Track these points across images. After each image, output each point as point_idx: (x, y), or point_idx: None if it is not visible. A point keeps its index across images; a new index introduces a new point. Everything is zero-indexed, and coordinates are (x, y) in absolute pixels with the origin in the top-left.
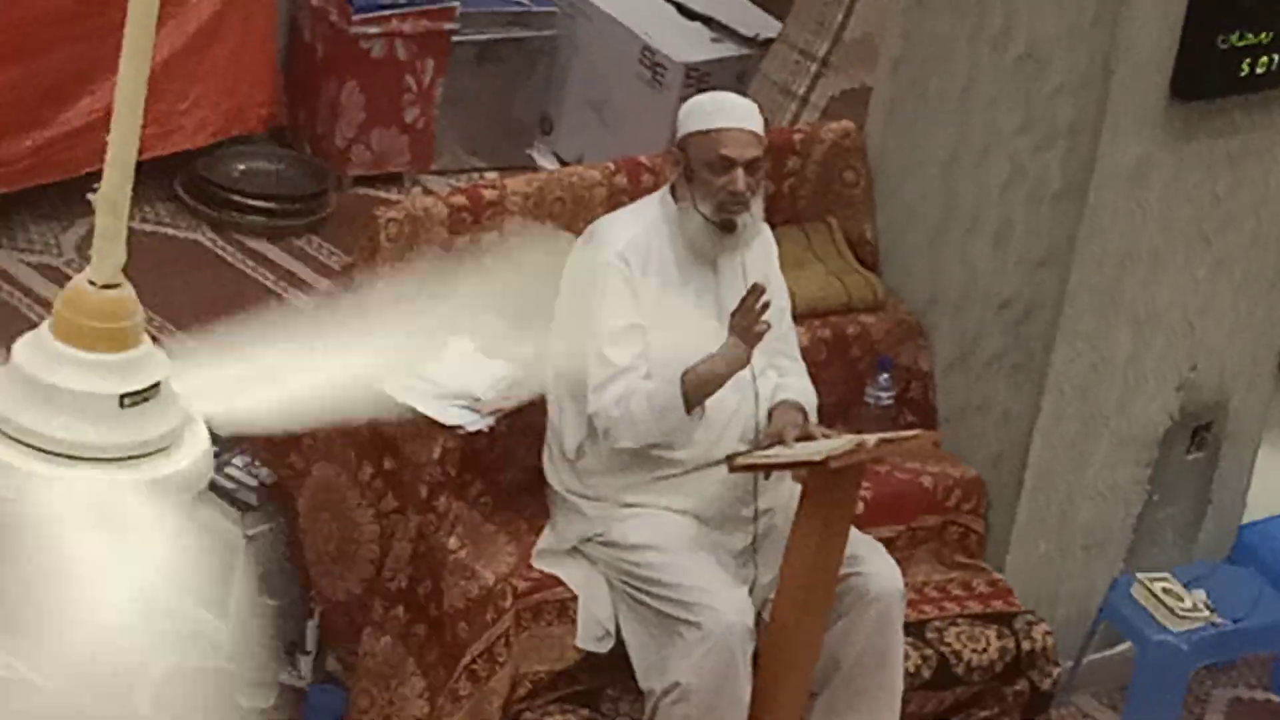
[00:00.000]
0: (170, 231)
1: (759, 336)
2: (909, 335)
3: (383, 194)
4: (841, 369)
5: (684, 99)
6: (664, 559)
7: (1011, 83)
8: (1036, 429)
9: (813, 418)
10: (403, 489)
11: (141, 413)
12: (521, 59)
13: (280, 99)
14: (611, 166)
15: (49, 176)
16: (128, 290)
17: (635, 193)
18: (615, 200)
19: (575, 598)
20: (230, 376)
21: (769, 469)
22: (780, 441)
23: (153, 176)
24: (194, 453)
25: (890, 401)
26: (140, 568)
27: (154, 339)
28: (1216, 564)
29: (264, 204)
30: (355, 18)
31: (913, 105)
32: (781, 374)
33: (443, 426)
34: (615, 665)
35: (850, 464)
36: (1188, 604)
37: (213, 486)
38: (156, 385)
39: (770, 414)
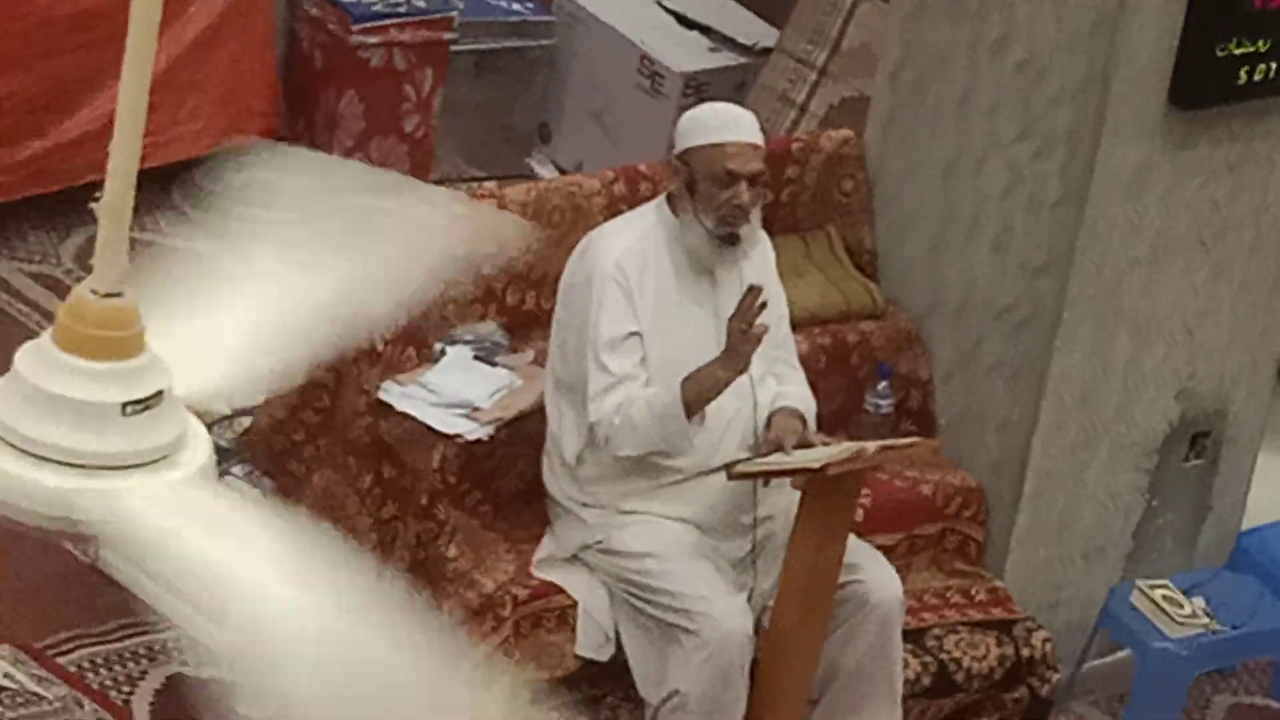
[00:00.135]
0: (169, 241)
1: (757, 339)
2: (908, 343)
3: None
4: (841, 377)
5: (683, 108)
6: (663, 566)
7: (1010, 90)
8: (1036, 436)
9: (812, 425)
10: (402, 497)
11: (144, 421)
12: (520, 68)
13: (279, 108)
14: (610, 175)
15: (48, 186)
16: (130, 299)
17: (634, 201)
18: (614, 209)
19: (575, 605)
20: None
21: (768, 476)
22: (779, 449)
23: (151, 186)
24: (196, 460)
25: (890, 409)
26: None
27: None
28: (1216, 570)
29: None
30: (354, 27)
31: (911, 113)
32: (780, 381)
33: (442, 435)
34: (615, 673)
35: (849, 471)
36: (1187, 611)
37: None
38: (159, 393)
39: (769, 421)
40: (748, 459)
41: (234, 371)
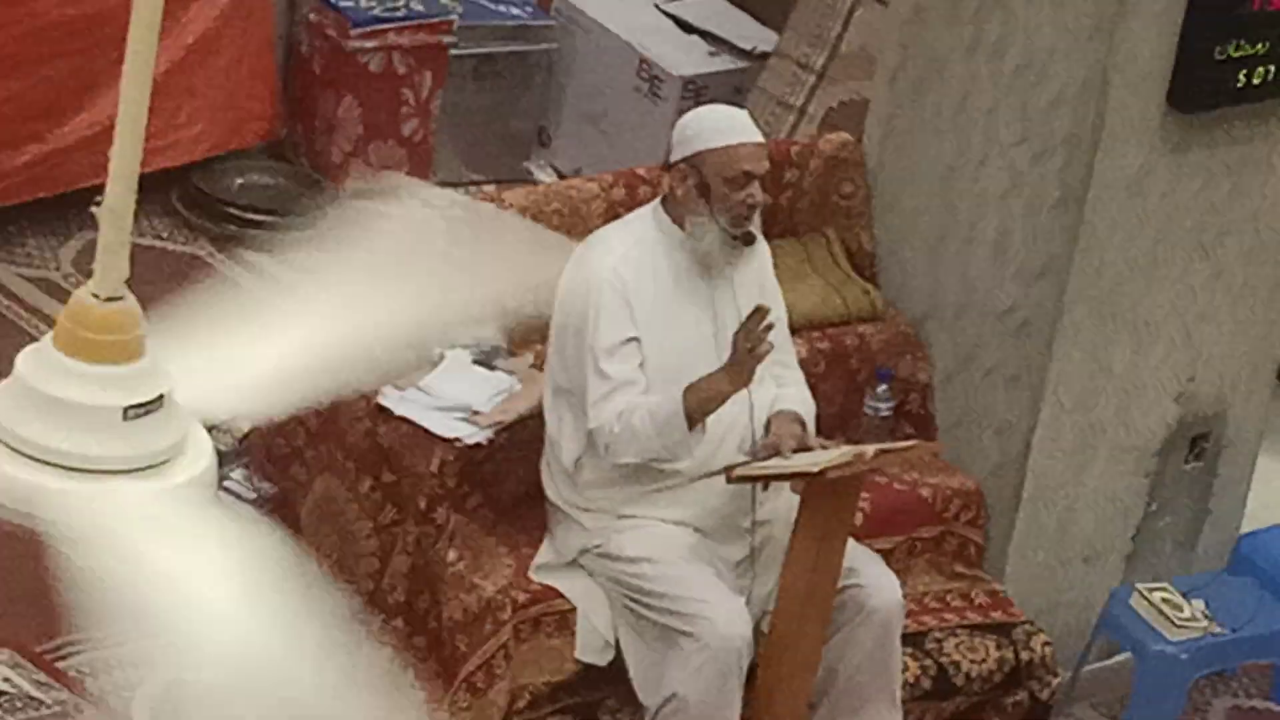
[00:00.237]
0: (168, 245)
1: (762, 356)
2: (907, 346)
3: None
4: (840, 380)
5: (681, 112)
6: (662, 570)
7: (1009, 94)
8: (1035, 439)
9: (811, 427)
10: (401, 501)
11: (145, 425)
12: (519, 72)
13: (278, 112)
14: (609, 179)
15: (46, 190)
16: (131, 303)
17: (633, 205)
18: (613, 213)
19: (574, 610)
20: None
21: (767, 480)
22: (778, 452)
23: (150, 190)
24: (198, 464)
25: (889, 412)
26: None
27: None
28: (1215, 573)
29: (262, 218)
30: (353, 32)
31: (910, 117)
32: (779, 384)
33: (441, 439)
34: (614, 677)
35: (849, 475)
36: (1187, 613)
37: None
38: (160, 397)
39: (768, 424)
40: (747, 463)
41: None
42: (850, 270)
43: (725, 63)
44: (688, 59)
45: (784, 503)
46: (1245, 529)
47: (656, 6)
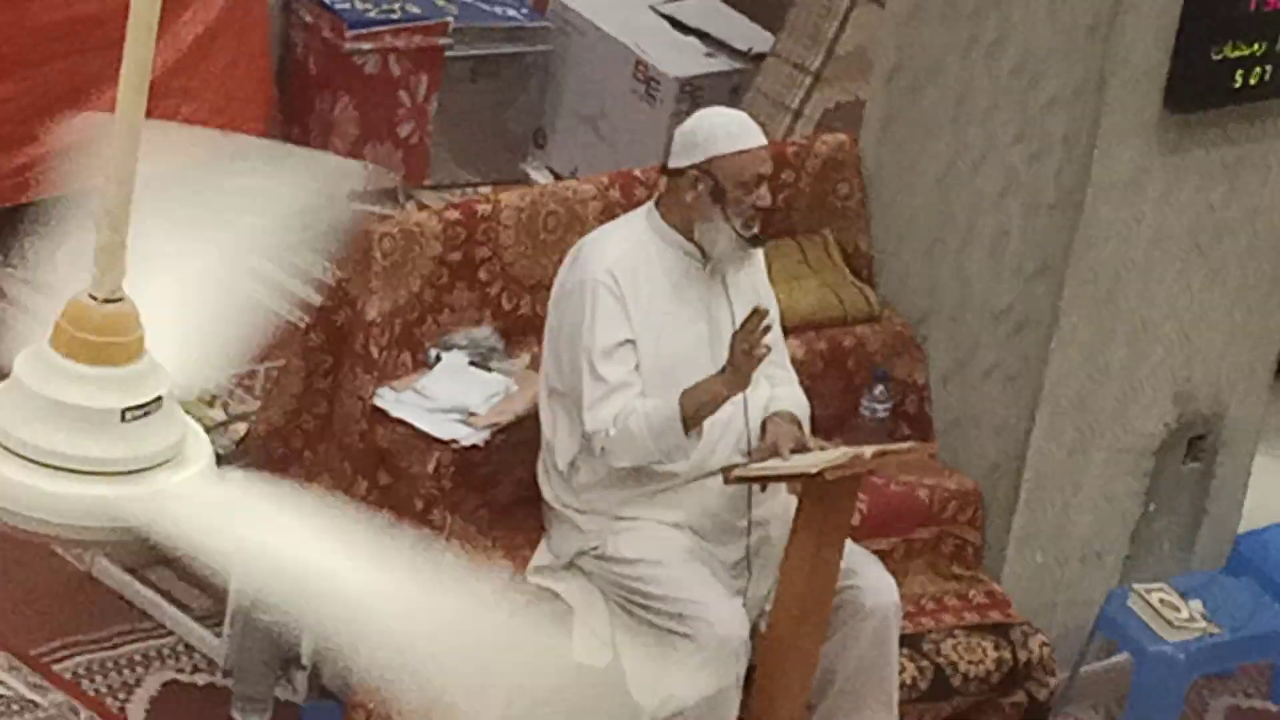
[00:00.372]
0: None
1: (760, 359)
2: (904, 347)
3: (376, 209)
4: (837, 381)
5: (678, 113)
6: (658, 572)
7: (1006, 95)
8: (1032, 440)
9: (806, 428)
10: (398, 503)
11: (143, 426)
12: (515, 74)
13: (274, 115)
14: (605, 180)
15: (43, 192)
16: (129, 304)
17: (629, 206)
18: (609, 214)
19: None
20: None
21: (765, 481)
22: (776, 453)
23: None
24: (196, 466)
25: (886, 413)
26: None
27: None
28: (1213, 574)
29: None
30: (349, 33)
31: (907, 117)
32: (773, 384)
33: (438, 440)
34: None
35: (846, 476)
36: (1184, 614)
37: None
38: (158, 399)
39: (764, 425)
40: (744, 464)
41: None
42: (847, 271)
43: (721, 64)
44: (684, 60)
45: (781, 504)
46: (1243, 529)
47: (652, 8)
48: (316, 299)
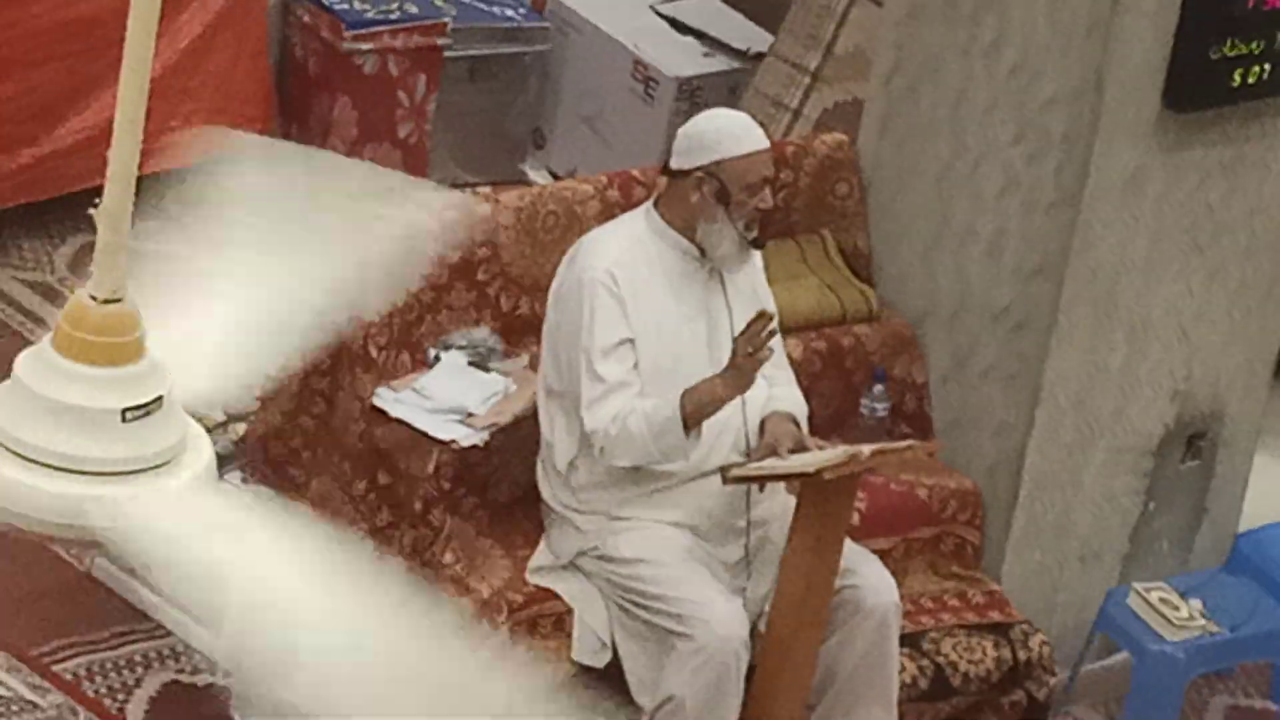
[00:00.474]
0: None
1: (762, 362)
2: (903, 346)
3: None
4: (836, 381)
5: (676, 113)
6: (657, 572)
7: (1004, 94)
8: (1031, 439)
9: (805, 427)
10: (397, 503)
11: (144, 426)
12: (514, 74)
13: (273, 115)
14: (604, 180)
15: (42, 193)
16: (129, 305)
17: (628, 206)
18: (608, 214)
19: (570, 612)
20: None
21: (763, 480)
22: (774, 453)
23: (144, 193)
24: (197, 466)
25: (885, 413)
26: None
27: None
28: (1212, 573)
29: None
30: (347, 34)
31: (906, 117)
32: (770, 384)
33: (437, 440)
34: (611, 679)
35: (845, 475)
36: (1184, 613)
37: None
38: (159, 399)
39: (763, 425)
40: (743, 463)
41: (222, 374)
42: (846, 270)
43: (720, 64)
44: (682, 60)
45: (780, 503)
46: (1242, 528)
47: (651, 8)
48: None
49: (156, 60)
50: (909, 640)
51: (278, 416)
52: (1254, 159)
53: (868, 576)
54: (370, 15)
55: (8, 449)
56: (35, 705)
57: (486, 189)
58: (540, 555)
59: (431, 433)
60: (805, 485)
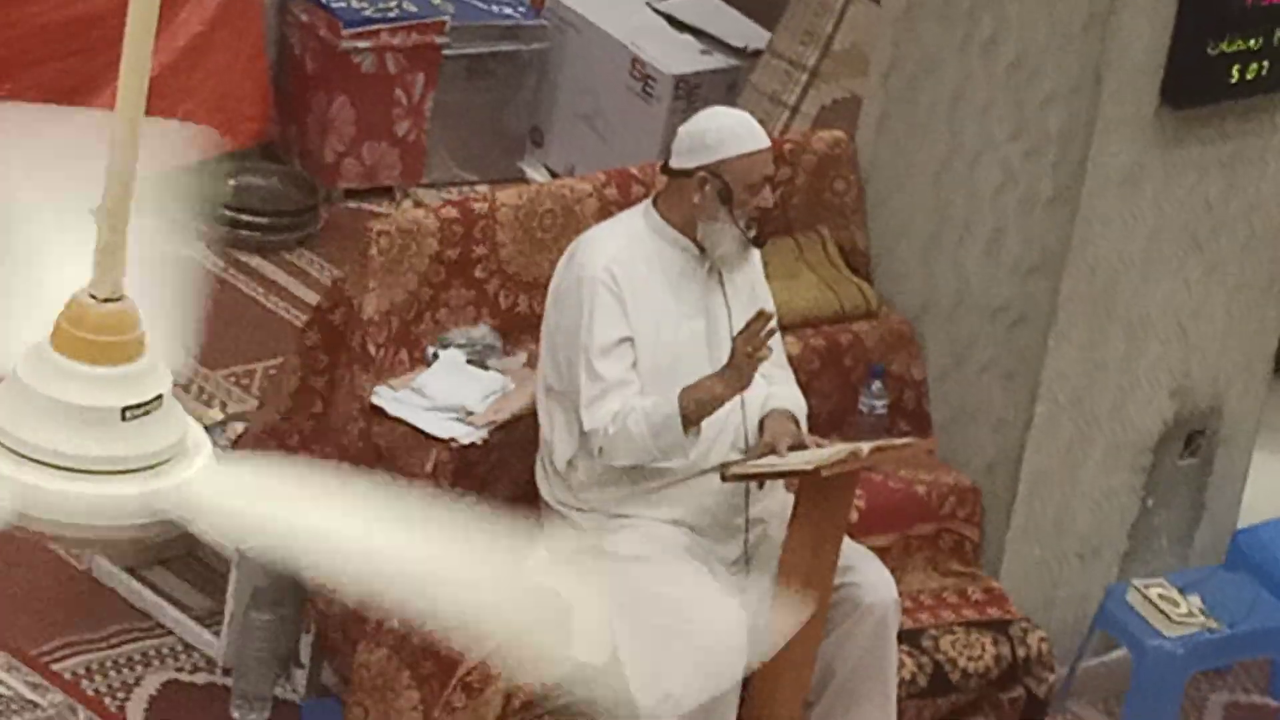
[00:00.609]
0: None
1: (761, 360)
2: (902, 343)
3: (373, 207)
4: (834, 378)
5: (674, 111)
6: (657, 570)
7: (1002, 90)
8: (1030, 436)
9: (803, 425)
10: None
11: (144, 425)
12: (512, 72)
13: (270, 114)
14: (602, 178)
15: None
16: (129, 304)
17: (626, 204)
18: (606, 212)
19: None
20: None
21: (762, 478)
22: (773, 451)
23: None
24: (197, 465)
25: (883, 410)
26: None
27: None
28: (1212, 569)
29: (255, 219)
30: (345, 32)
31: (903, 114)
32: (769, 381)
33: (435, 439)
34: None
35: (843, 472)
36: (1183, 609)
37: None
38: (159, 398)
39: (761, 423)
40: (741, 461)
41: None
42: (844, 268)
43: (718, 61)
44: (680, 58)
45: (778, 501)
46: (1241, 524)
47: (649, 5)
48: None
49: (155, 60)
50: (908, 637)
51: (275, 415)
52: (1252, 155)
53: (867, 574)
54: (368, 13)
55: (7, 448)
56: (35, 704)
57: (485, 187)
58: (539, 553)
59: (430, 431)
60: (804, 483)
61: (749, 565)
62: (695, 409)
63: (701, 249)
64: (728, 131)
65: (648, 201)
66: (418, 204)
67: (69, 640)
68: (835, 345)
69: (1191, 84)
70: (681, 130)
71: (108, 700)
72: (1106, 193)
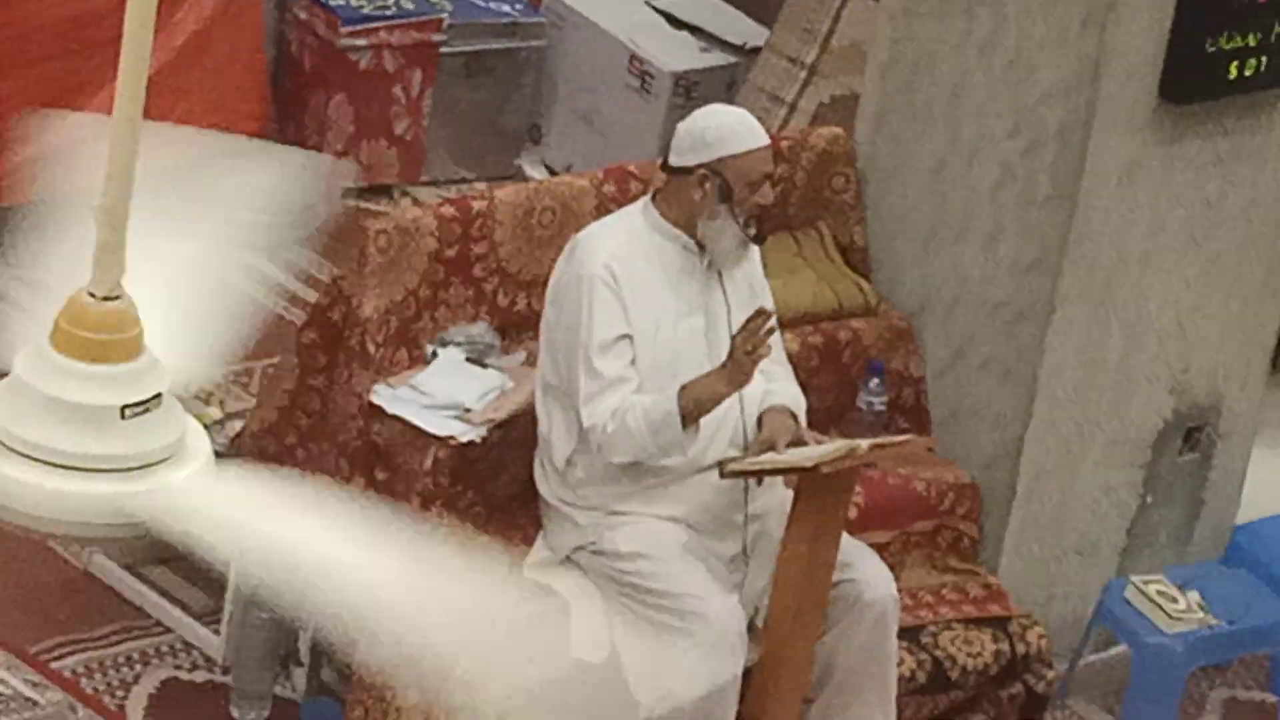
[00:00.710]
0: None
1: (761, 358)
2: (900, 340)
3: (372, 205)
4: (833, 375)
5: (673, 108)
6: (655, 567)
7: (1000, 87)
8: (1029, 432)
9: (802, 422)
10: (395, 500)
11: (143, 423)
12: (510, 69)
13: (268, 112)
14: (600, 175)
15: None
16: (127, 302)
17: (624, 201)
18: (604, 209)
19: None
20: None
21: (761, 475)
22: (772, 448)
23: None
24: (196, 463)
25: (882, 407)
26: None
27: None
28: (1210, 565)
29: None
30: (343, 30)
31: (902, 111)
32: (768, 378)
33: (434, 437)
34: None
35: (842, 469)
36: (1182, 605)
37: None
38: (158, 396)
39: (760, 420)
40: (740, 458)
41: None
42: (843, 264)
43: (716, 58)
44: (678, 55)
45: (777, 498)
46: (1240, 520)
47: (647, 2)
48: (310, 295)
49: (153, 58)
50: (907, 634)
51: (274, 413)
52: (1251, 151)
53: (865, 570)
54: (366, 11)
55: (6, 446)
56: (34, 703)
57: (483, 185)
58: (537, 551)
59: (429, 429)
60: (803, 479)
61: (748, 562)
62: (694, 406)
63: (701, 246)
64: (727, 129)
65: (647, 198)
66: (416, 202)
67: (68, 638)
68: (834, 342)
69: (1190, 80)
70: (680, 127)
71: (107, 699)
72: (1105, 189)
